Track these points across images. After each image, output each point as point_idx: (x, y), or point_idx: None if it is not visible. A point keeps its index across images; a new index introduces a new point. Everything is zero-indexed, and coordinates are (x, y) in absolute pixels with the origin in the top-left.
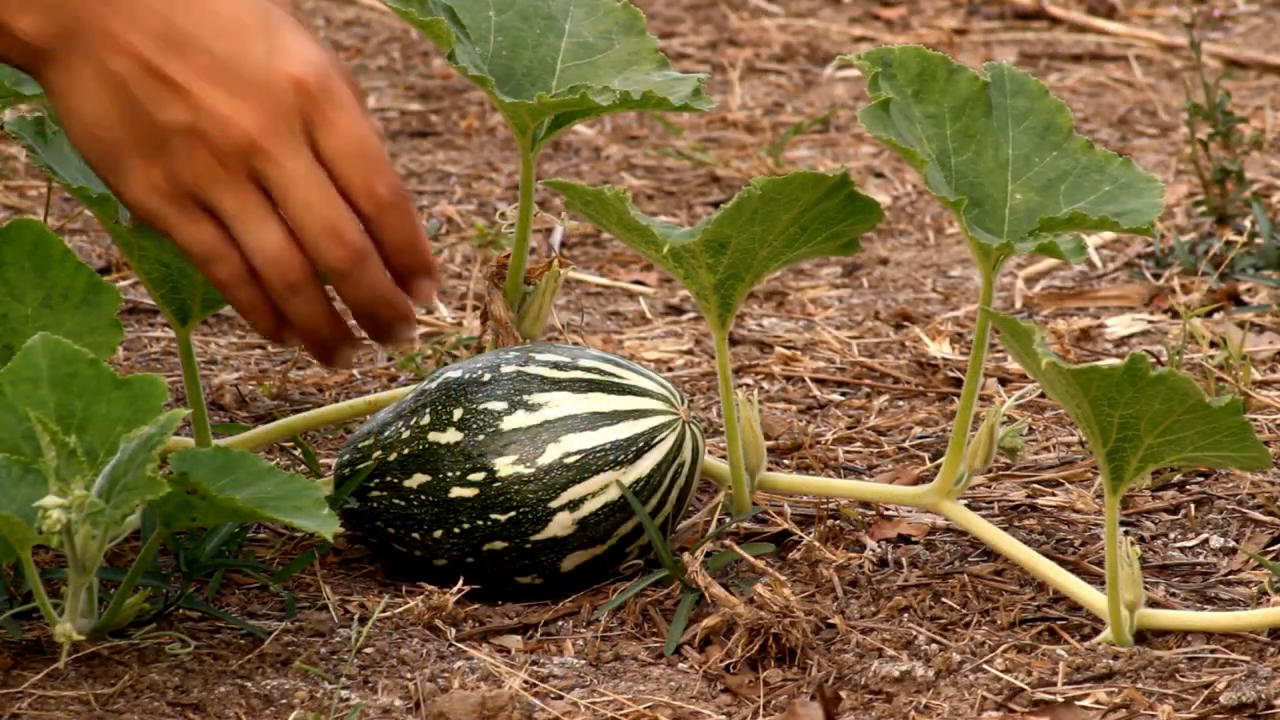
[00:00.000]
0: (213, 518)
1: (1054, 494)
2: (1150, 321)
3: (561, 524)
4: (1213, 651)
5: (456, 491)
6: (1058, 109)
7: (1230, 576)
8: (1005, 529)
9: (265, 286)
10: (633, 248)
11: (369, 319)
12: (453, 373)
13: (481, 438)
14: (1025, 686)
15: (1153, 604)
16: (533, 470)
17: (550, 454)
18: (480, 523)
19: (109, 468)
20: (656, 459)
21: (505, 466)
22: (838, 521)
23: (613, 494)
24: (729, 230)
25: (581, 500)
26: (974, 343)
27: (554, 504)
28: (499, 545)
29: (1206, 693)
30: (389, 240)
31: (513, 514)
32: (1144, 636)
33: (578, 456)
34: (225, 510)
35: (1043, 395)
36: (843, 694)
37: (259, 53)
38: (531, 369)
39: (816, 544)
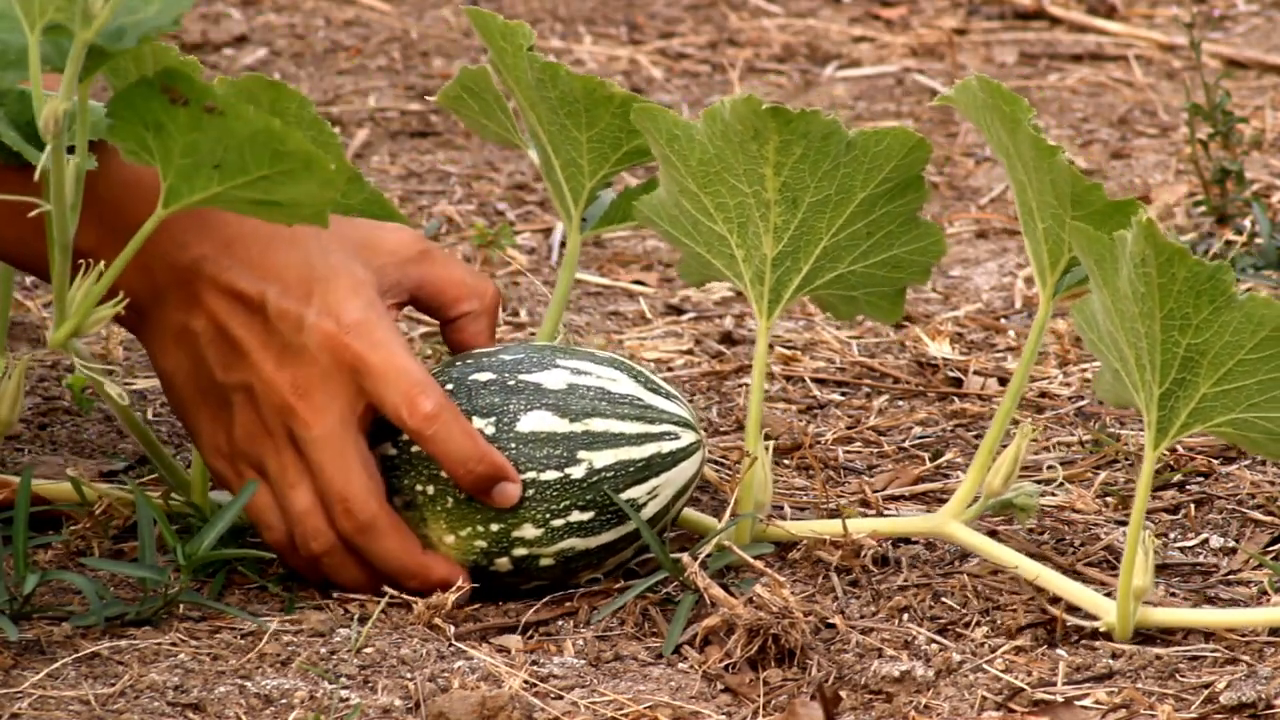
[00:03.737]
0: (229, 135)
1: (1054, 494)
2: None
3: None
4: (1213, 651)
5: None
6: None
7: (1230, 576)
8: (1004, 528)
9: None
10: (706, 194)
11: (395, 586)
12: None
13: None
14: (1025, 686)
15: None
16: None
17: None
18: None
19: None
20: None
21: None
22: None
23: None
24: (809, 176)
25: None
26: (1017, 370)
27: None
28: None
29: (1206, 693)
30: (443, 453)
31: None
32: (1142, 636)
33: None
34: (245, 128)
35: (1042, 395)
36: (843, 694)
37: (311, 314)
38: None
39: (816, 544)
